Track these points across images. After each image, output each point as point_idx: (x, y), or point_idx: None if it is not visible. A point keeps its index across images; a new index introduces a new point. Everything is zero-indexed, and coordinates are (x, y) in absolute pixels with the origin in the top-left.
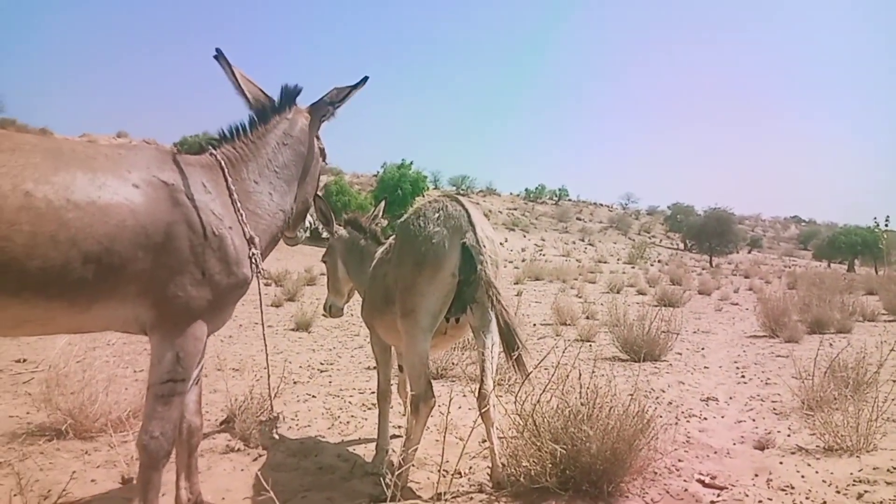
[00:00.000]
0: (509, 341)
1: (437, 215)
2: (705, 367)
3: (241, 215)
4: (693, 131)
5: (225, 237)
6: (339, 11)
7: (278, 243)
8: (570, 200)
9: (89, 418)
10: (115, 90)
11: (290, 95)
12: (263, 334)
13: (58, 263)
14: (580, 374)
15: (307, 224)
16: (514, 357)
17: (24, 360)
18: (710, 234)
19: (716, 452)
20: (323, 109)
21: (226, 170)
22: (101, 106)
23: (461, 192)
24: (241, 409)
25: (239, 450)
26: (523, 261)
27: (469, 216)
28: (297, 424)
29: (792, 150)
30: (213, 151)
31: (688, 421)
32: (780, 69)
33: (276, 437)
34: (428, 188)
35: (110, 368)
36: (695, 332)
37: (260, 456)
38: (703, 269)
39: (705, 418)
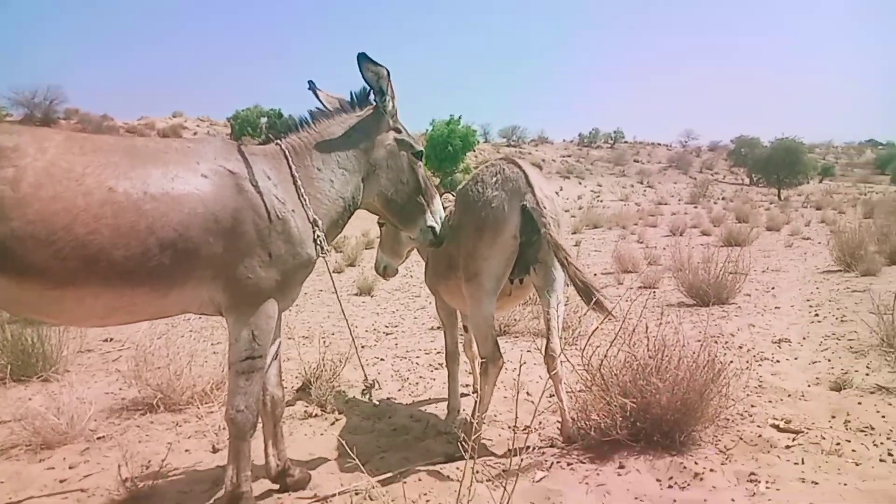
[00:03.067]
0: (590, 297)
1: (494, 179)
2: (776, 308)
3: (304, 199)
4: (755, 58)
5: (288, 220)
6: None
7: (342, 230)
8: (625, 143)
9: (177, 392)
10: (169, 71)
11: (359, 95)
12: (342, 309)
13: (139, 251)
14: (647, 327)
15: (429, 224)
16: (594, 301)
17: (112, 340)
18: (778, 165)
19: (790, 396)
20: (382, 103)
21: (290, 157)
22: (156, 88)
23: (512, 143)
24: (315, 376)
25: (316, 415)
26: (580, 209)
27: (527, 177)
28: None
29: (866, 71)
30: (279, 141)
31: (759, 365)
32: None
33: (373, 400)
34: (478, 142)
35: (190, 344)
36: (764, 272)
37: (337, 420)
38: (772, 203)
39: (778, 361)
